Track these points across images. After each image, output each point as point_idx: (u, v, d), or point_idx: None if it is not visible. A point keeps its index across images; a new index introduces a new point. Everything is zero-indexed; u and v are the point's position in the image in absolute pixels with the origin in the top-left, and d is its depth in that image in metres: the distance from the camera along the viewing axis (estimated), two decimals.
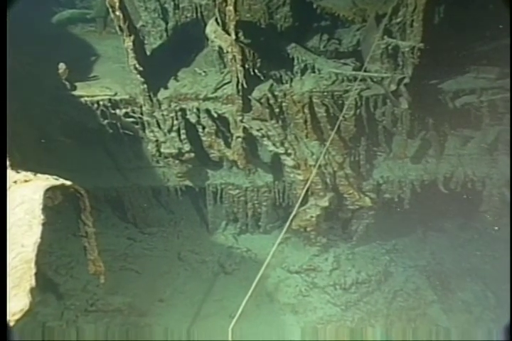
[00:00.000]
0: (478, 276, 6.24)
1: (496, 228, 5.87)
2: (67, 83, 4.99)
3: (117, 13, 4.31)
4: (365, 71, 4.85)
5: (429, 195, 5.99)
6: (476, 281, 6.18)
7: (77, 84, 5.19)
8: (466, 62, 5.17)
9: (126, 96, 5.28)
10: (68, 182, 3.18)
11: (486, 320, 5.82)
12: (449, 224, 6.74)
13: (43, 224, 2.72)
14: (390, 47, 4.80)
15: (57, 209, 3.94)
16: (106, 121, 5.41)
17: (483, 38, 5.01)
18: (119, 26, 4.50)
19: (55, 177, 3.26)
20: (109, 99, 5.24)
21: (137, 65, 4.83)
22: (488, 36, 4.98)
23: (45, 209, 3.32)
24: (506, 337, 3.53)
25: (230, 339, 2.35)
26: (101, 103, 5.24)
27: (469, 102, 5.27)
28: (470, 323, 5.78)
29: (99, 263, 3.61)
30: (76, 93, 5.15)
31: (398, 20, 4.67)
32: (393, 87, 4.86)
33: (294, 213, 3.83)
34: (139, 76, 4.96)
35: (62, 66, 4.84)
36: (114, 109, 5.35)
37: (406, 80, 4.80)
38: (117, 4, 4.28)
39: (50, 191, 3.16)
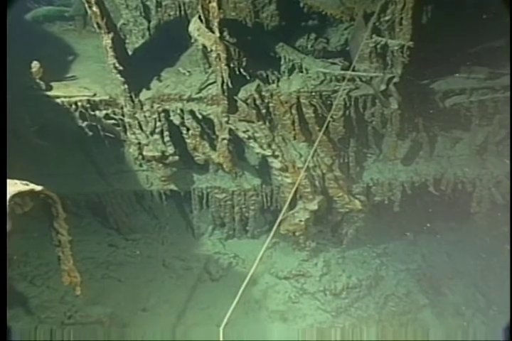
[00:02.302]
0: (468, 279, 6.18)
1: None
2: (41, 83, 4.77)
3: (94, 9, 4.13)
4: (353, 70, 4.75)
5: (420, 197, 5.92)
6: (467, 284, 6.12)
7: (53, 84, 4.98)
8: (458, 62, 5.11)
9: (106, 97, 5.09)
10: (39, 188, 2.98)
11: (476, 322, 5.75)
12: (440, 226, 6.68)
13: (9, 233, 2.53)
14: (378, 46, 4.69)
15: (33, 216, 3.72)
16: (85, 123, 5.20)
17: (475, 38, 4.96)
18: (97, 23, 4.31)
19: (25, 182, 3.06)
20: (88, 100, 5.04)
21: (117, 64, 4.66)
22: (480, 36, 4.93)
23: (16, 216, 3.10)
24: (506, 337, 3.45)
25: (221, 339, 2.24)
26: (79, 104, 5.04)
27: (459, 102, 5.21)
28: (461, 326, 5.71)
29: (74, 274, 3.41)
30: (52, 93, 4.94)
31: (387, 18, 4.56)
32: (383, 87, 4.76)
33: (281, 217, 3.69)
34: (119, 76, 4.78)
35: (35, 65, 4.61)
36: (93, 111, 5.16)
37: (396, 79, 4.70)
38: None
39: (19, 197, 2.96)
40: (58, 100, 4.97)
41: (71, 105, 5.04)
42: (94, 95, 5.05)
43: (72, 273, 3.34)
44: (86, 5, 4.16)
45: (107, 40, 4.45)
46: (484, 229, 6.13)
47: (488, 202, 5.78)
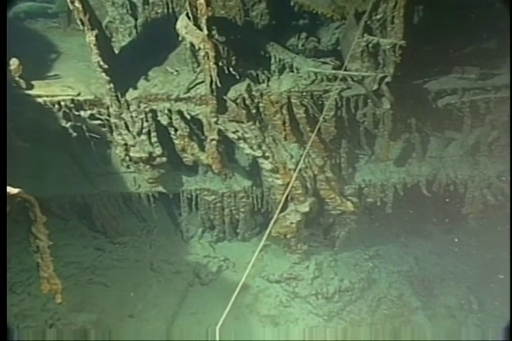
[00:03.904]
0: (461, 280, 6.15)
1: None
2: (21, 81, 4.59)
3: (76, 4, 3.98)
4: (345, 70, 4.67)
5: (412, 199, 5.86)
6: (459, 286, 6.09)
7: (34, 82, 4.80)
8: (450, 62, 5.05)
9: (91, 97, 4.93)
10: (15, 190, 2.83)
11: (469, 324, 5.72)
12: (432, 228, 6.65)
13: None
14: (370, 45, 4.62)
15: (15, 219, 3.56)
16: (69, 124, 5.03)
17: (467, 38, 4.93)
18: (80, 19, 4.16)
19: None
20: (72, 100, 4.87)
21: (102, 63, 4.50)
22: (473, 36, 4.90)
23: None
24: (506, 337, 3.40)
25: (217, 338, 2.18)
26: (62, 104, 4.86)
27: (451, 103, 5.16)
28: (454, 329, 5.67)
29: (54, 281, 3.25)
30: (33, 92, 4.75)
31: (378, 16, 4.48)
32: (375, 87, 4.69)
33: (274, 219, 3.57)
34: (104, 74, 4.62)
35: (14, 62, 4.42)
36: (78, 111, 4.99)
37: (388, 79, 4.63)
38: None
39: None
40: (40, 99, 4.79)
41: (54, 105, 4.87)
42: (79, 95, 4.89)
43: (52, 280, 3.18)
44: (68, 0, 4.01)
45: (90, 37, 4.29)
46: (476, 230, 6.10)
47: (480, 203, 5.76)
